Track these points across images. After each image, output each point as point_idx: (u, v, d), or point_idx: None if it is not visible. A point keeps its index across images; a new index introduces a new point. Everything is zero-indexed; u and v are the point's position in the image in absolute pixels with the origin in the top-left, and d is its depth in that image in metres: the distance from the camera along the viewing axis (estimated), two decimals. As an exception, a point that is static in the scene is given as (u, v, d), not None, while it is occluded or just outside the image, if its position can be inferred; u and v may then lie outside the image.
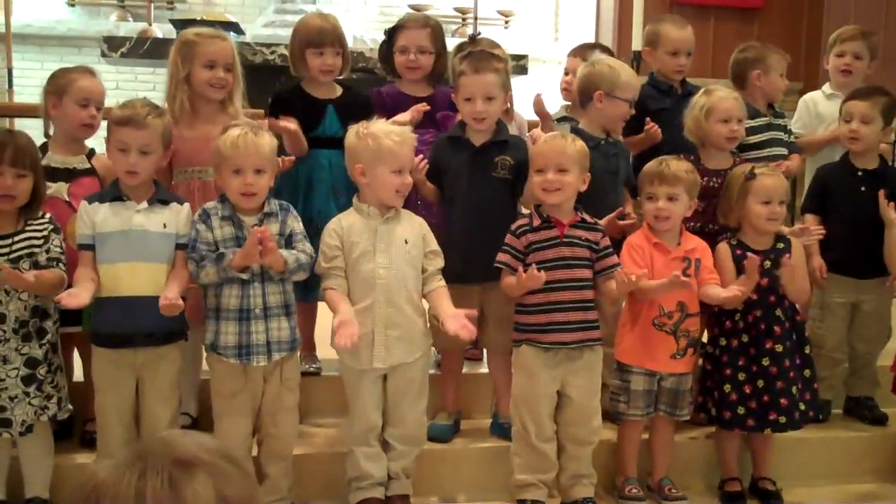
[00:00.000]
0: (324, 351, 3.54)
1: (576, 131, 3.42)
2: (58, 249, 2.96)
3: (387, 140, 3.02)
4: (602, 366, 3.25)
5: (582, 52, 4.11)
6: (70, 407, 3.05)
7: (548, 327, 3.13)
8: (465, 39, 4.14)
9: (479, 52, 3.46)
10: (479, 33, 4.27)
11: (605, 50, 4.22)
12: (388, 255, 3.06)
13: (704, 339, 3.48)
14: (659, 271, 3.22)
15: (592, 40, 7.13)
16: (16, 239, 2.92)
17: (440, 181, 3.41)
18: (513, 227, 3.19)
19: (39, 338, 2.94)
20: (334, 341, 2.87)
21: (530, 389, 3.18)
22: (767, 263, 3.33)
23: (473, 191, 3.31)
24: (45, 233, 2.96)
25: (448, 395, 3.56)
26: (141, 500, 1.00)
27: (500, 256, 3.16)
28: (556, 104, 4.19)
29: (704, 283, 3.29)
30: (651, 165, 3.34)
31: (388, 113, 3.57)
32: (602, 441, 3.33)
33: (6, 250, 2.89)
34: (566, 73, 4.05)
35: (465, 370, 3.71)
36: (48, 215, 3.01)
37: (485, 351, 3.74)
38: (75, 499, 1.04)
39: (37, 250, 2.93)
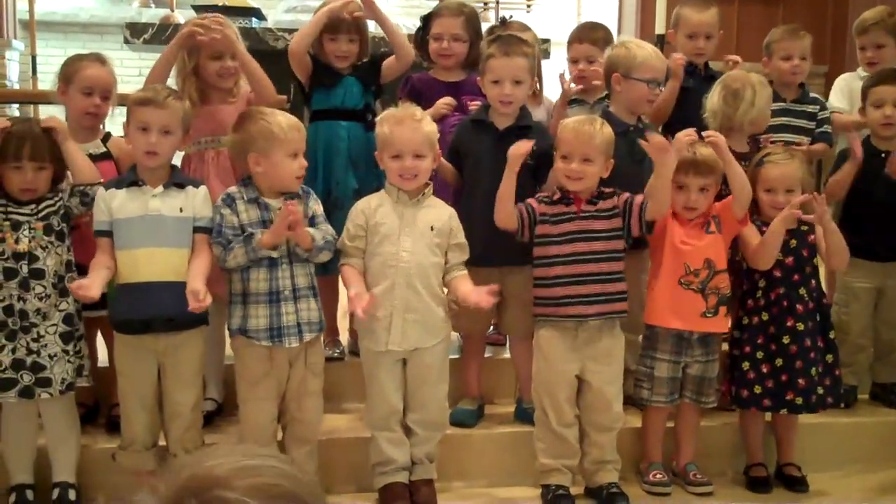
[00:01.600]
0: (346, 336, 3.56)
1: (606, 115, 3.40)
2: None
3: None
4: (624, 351, 3.24)
5: (589, 37, 3.94)
6: (91, 380, 3.07)
7: (567, 300, 3.12)
8: (493, 23, 4.12)
9: (509, 36, 3.45)
10: (511, 16, 4.22)
11: (602, 28, 4.10)
12: (412, 239, 3.06)
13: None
14: (681, 232, 3.22)
15: (615, 23, 7.09)
16: (40, 206, 2.98)
17: (461, 163, 3.41)
18: (538, 194, 3.22)
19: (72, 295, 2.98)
20: (354, 316, 2.93)
21: (548, 374, 3.18)
22: (793, 243, 3.31)
23: (495, 174, 3.29)
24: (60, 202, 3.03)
25: (471, 380, 3.56)
26: None
27: (518, 205, 3.17)
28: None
29: (744, 231, 3.29)
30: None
31: (418, 99, 3.57)
32: (627, 427, 3.32)
33: (30, 212, 2.96)
34: (575, 62, 3.96)
35: (487, 355, 3.72)
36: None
37: (507, 336, 3.74)
38: None
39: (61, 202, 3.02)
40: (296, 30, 6.29)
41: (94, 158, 3.26)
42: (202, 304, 2.81)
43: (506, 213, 3.14)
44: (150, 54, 7.32)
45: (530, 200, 3.18)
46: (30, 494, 3.01)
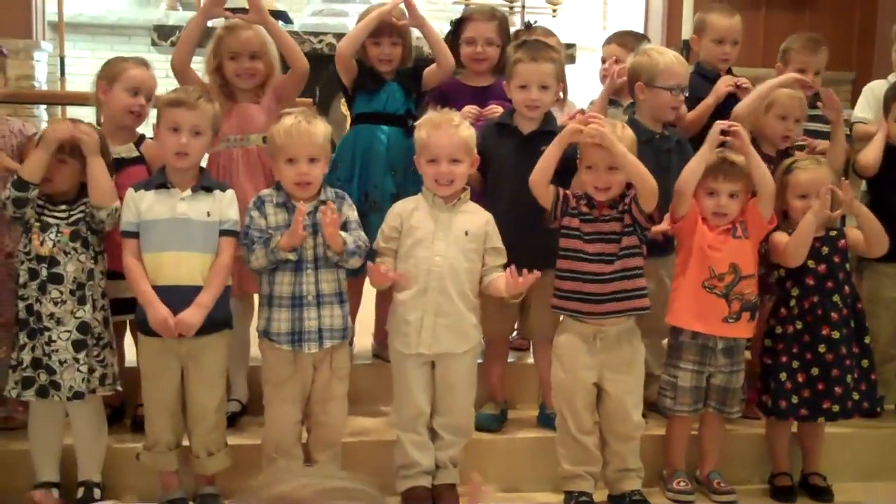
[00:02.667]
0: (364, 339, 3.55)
1: (632, 122, 3.39)
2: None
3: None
4: (644, 360, 3.23)
5: (617, 39, 4.07)
6: (118, 388, 3.10)
7: (580, 296, 3.11)
8: (519, 28, 4.12)
9: (536, 42, 3.45)
10: (536, 21, 4.23)
11: (641, 37, 4.17)
12: (445, 243, 3.07)
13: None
14: (707, 236, 3.20)
15: (641, 29, 7.08)
16: (72, 208, 3.01)
17: (485, 167, 3.41)
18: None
19: (93, 304, 3.00)
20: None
21: (566, 382, 3.18)
22: (825, 250, 3.29)
23: (519, 178, 3.29)
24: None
25: (494, 385, 3.56)
26: None
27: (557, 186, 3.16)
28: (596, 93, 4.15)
29: (773, 234, 3.26)
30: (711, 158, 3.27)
31: (445, 103, 3.57)
32: (650, 434, 3.31)
33: (61, 215, 2.98)
34: (603, 62, 4.01)
35: (511, 359, 3.71)
36: None
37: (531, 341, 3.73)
38: None
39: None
40: (322, 33, 6.36)
41: (127, 162, 3.28)
42: (187, 324, 2.87)
43: (540, 181, 3.11)
44: (177, 57, 7.40)
45: (568, 192, 3.16)
46: (55, 493, 3.03)
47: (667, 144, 3.48)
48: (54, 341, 2.94)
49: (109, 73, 3.34)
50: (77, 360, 2.95)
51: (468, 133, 3.10)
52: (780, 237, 3.28)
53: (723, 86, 3.73)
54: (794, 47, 4.02)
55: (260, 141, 3.34)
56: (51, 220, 2.97)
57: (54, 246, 2.95)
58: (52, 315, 2.94)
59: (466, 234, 3.09)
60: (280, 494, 0.95)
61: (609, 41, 4.08)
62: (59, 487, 3.04)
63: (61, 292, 2.95)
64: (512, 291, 3.03)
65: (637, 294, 3.13)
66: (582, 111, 3.68)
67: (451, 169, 3.05)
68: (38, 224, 2.96)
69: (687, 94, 3.54)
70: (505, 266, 3.07)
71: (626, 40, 3.98)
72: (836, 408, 3.28)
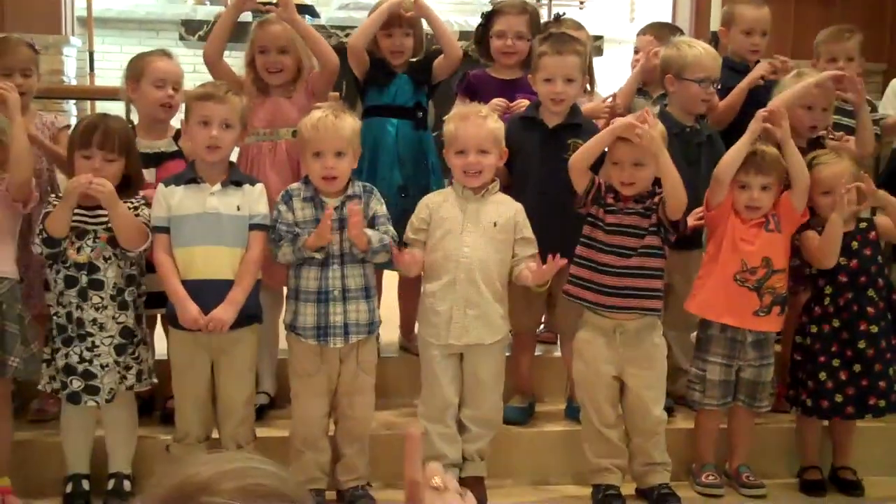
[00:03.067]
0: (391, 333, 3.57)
1: (663, 115, 3.37)
2: (145, 216, 3.01)
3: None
4: (665, 356, 3.21)
5: (651, 30, 4.06)
6: (154, 380, 3.12)
7: (591, 286, 3.11)
8: (547, 20, 4.11)
9: (562, 34, 3.45)
10: (564, 13, 4.22)
11: (675, 29, 4.15)
12: (474, 235, 3.07)
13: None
14: (740, 229, 3.19)
15: (669, 20, 7.03)
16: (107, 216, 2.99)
17: (511, 161, 3.40)
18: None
19: (135, 307, 3.03)
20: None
21: (587, 375, 3.18)
22: (854, 245, 3.26)
23: (544, 172, 3.29)
24: (137, 204, 3.03)
25: (522, 378, 3.56)
26: None
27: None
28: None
29: (802, 234, 3.25)
30: None
31: (474, 97, 3.58)
32: (679, 428, 3.30)
33: (97, 221, 2.97)
34: (636, 53, 3.99)
35: (538, 353, 3.71)
36: (142, 193, 3.08)
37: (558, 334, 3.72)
38: None
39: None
40: (349, 27, 6.36)
41: (166, 156, 3.31)
42: (220, 321, 2.89)
43: (581, 164, 3.10)
44: (205, 51, 7.43)
45: (602, 181, 3.15)
46: (86, 484, 3.06)
47: (697, 138, 3.46)
48: (97, 346, 2.96)
49: (135, 71, 3.36)
50: (118, 364, 2.98)
51: (496, 125, 3.10)
52: (812, 236, 3.26)
53: (759, 71, 3.70)
54: (821, 40, 3.99)
55: (289, 135, 3.35)
56: (87, 227, 2.97)
57: (92, 251, 2.96)
58: (94, 321, 2.96)
59: (495, 224, 3.09)
60: (181, 481, 0.95)
61: (643, 32, 4.07)
62: (90, 479, 3.07)
63: (102, 298, 2.97)
64: (538, 280, 3.05)
65: (649, 294, 3.11)
66: (614, 96, 3.68)
67: (479, 160, 3.05)
68: (72, 232, 2.96)
69: (719, 87, 3.51)
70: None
71: (661, 32, 3.97)
72: (882, 403, 3.25)
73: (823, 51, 3.96)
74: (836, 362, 3.27)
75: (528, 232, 3.13)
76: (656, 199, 3.09)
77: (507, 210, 3.13)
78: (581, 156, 3.11)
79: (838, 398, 3.27)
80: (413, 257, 3.03)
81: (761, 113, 3.16)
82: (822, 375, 3.28)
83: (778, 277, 3.20)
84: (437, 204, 3.13)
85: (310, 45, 3.44)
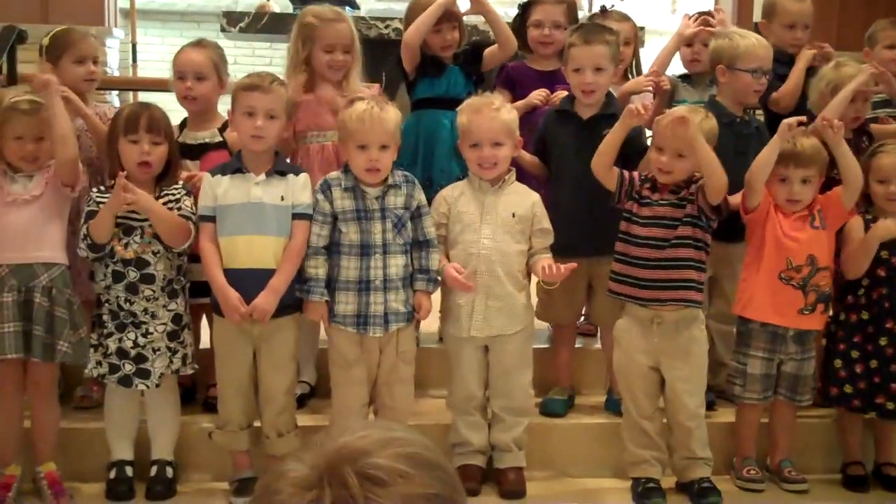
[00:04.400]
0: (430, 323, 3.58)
1: (713, 105, 3.35)
2: (188, 209, 3.04)
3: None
4: (706, 350, 3.19)
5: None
6: (196, 365, 3.15)
7: (631, 280, 3.09)
8: (594, 12, 4.10)
9: (591, 24, 3.45)
10: (613, 5, 4.19)
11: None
12: (492, 226, 3.08)
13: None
14: (785, 225, 3.16)
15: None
16: None
17: (548, 154, 3.39)
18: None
19: (184, 293, 3.08)
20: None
21: (625, 366, 3.18)
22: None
23: (580, 164, 3.27)
24: (178, 196, 3.05)
25: (562, 370, 3.55)
26: None
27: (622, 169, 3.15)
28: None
29: (850, 222, 3.23)
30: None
31: (513, 88, 3.56)
32: (720, 422, 3.28)
33: (143, 217, 2.99)
34: (689, 45, 3.93)
35: (579, 345, 3.70)
36: (181, 182, 3.11)
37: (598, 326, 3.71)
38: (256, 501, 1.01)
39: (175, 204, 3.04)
40: (389, 18, 6.38)
41: (210, 147, 3.32)
42: (262, 310, 2.92)
43: (601, 164, 3.10)
44: (245, 43, 7.47)
45: (634, 174, 3.14)
46: (129, 470, 3.09)
47: (747, 129, 3.43)
48: (151, 333, 3.01)
49: (173, 65, 3.39)
50: (170, 349, 3.03)
51: (509, 116, 3.10)
52: (855, 229, 3.23)
53: (807, 56, 3.67)
54: (880, 27, 3.93)
55: (336, 137, 3.33)
56: (133, 223, 3.00)
57: (139, 246, 3.00)
58: (146, 310, 3.01)
59: (513, 216, 3.09)
60: (340, 446, 0.99)
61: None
62: (133, 465, 3.11)
63: (153, 291, 3.01)
64: (548, 280, 3.04)
65: (685, 285, 3.07)
66: (660, 74, 3.62)
67: (493, 153, 3.05)
68: (118, 229, 2.99)
69: (770, 77, 3.48)
70: (556, 245, 3.09)
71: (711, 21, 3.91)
72: (890, 405, 3.22)
73: (882, 37, 3.91)
74: (854, 353, 3.25)
75: (546, 223, 3.13)
76: (692, 188, 3.07)
77: (524, 201, 3.13)
78: (599, 158, 3.10)
79: (847, 388, 3.25)
80: (465, 285, 3.02)
81: (788, 122, 3.11)
82: (838, 363, 3.27)
83: (822, 275, 3.18)
84: (454, 198, 3.13)
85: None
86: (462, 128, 3.10)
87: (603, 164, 3.10)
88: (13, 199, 2.98)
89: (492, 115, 3.06)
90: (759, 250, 3.20)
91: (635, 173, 3.15)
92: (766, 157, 3.13)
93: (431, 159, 3.50)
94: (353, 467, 0.96)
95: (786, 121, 3.13)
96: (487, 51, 3.61)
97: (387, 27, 6.22)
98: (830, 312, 3.33)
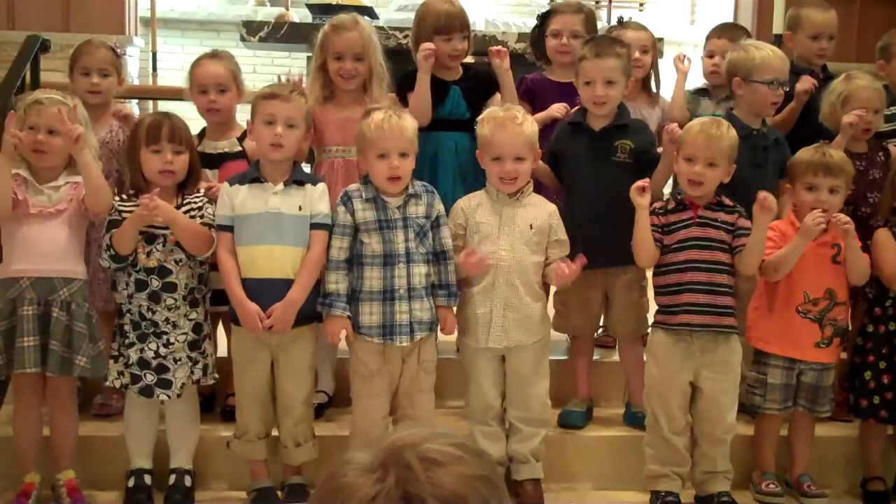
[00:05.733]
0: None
1: (730, 117, 3.34)
2: (211, 217, 3.05)
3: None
4: (741, 361, 3.18)
5: (722, 32, 3.99)
6: (216, 375, 3.16)
7: (676, 308, 3.09)
8: (612, 24, 4.09)
9: (602, 37, 3.46)
10: (631, 18, 4.19)
11: (743, 30, 4.09)
12: (510, 238, 3.08)
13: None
14: (806, 258, 3.13)
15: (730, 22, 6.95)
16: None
17: (560, 167, 3.39)
18: (651, 207, 3.14)
19: (204, 303, 3.09)
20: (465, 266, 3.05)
21: (662, 380, 3.15)
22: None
23: (594, 176, 3.28)
24: (200, 204, 3.07)
25: (580, 382, 3.54)
26: None
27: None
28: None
29: (879, 237, 3.24)
30: (810, 154, 3.19)
31: (532, 100, 3.56)
32: (739, 434, 3.26)
33: (165, 225, 3.00)
34: (710, 56, 3.92)
35: (597, 357, 3.68)
36: (203, 190, 3.12)
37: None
38: (324, 492, 1.08)
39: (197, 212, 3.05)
40: (407, 28, 6.38)
41: (229, 157, 3.33)
42: (259, 326, 2.92)
43: (647, 254, 3.12)
44: (264, 52, 7.50)
45: (651, 220, 3.12)
46: (147, 479, 3.10)
47: (764, 142, 3.41)
48: (172, 343, 3.02)
49: (189, 76, 3.41)
50: (191, 359, 3.04)
51: (532, 129, 3.10)
52: (884, 241, 3.22)
53: (801, 87, 3.63)
54: (893, 40, 3.90)
55: None
56: (155, 231, 3.01)
57: (161, 254, 3.00)
58: (167, 320, 3.01)
59: (531, 227, 3.10)
60: (396, 438, 1.10)
61: (717, 35, 3.96)
62: (152, 474, 3.11)
63: (175, 299, 3.02)
64: (558, 284, 3.09)
65: (727, 311, 3.09)
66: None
67: (515, 167, 3.06)
68: (141, 237, 3.00)
69: (787, 89, 3.47)
70: (571, 257, 3.09)
71: (734, 33, 3.91)
72: None
73: None
74: (882, 364, 3.24)
75: (562, 234, 3.14)
76: (737, 223, 3.09)
77: (542, 212, 3.14)
78: (641, 254, 3.12)
79: (876, 400, 3.24)
80: (482, 261, 3.02)
81: (815, 216, 3.07)
82: (867, 374, 3.26)
83: (840, 310, 3.18)
84: (471, 208, 3.13)
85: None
86: (483, 140, 3.09)
87: (646, 256, 3.12)
88: (38, 211, 2.98)
89: (516, 129, 3.05)
90: (775, 281, 3.19)
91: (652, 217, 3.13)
92: (790, 251, 3.10)
93: (435, 182, 3.44)
94: (412, 451, 1.06)
95: (811, 214, 3.08)
96: (491, 101, 3.52)
97: (406, 37, 6.23)
98: (868, 314, 3.34)
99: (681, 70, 3.70)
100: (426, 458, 1.06)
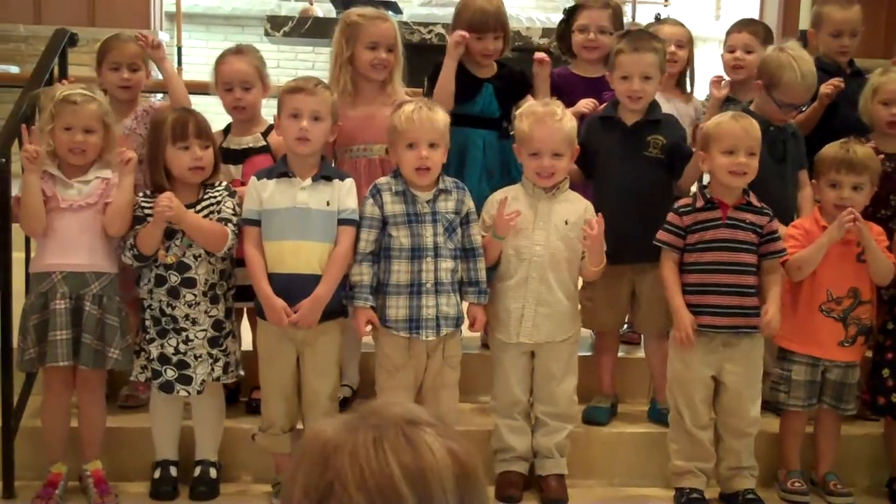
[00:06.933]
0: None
1: (749, 112, 3.31)
2: (229, 210, 3.05)
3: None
4: (763, 353, 3.17)
5: (745, 27, 3.94)
6: (241, 373, 3.17)
7: (702, 309, 3.07)
8: (650, 22, 4.08)
9: (639, 32, 3.44)
10: (668, 16, 4.18)
11: (763, 26, 4.04)
12: (545, 232, 3.07)
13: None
14: (829, 256, 3.12)
15: (755, 17, 6.92)
16: (196, 209, 3.03)
17: (592, 161, 3.38)
18: (676, 205, 3.14)
19: (225, 300, 3.09)
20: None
21: (684, 374, 3.14)
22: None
23: (625, 171, 3.27)
24: (220, 198, 3.07)
25: (604, 378, 3.53)
26: (380, 452, 1.03)
27: (661, 234, 3.12)
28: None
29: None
30: (835, 150, 3.17)
31: (558, 95, 3.54)
32: (764, 432, 3.25)
33: None
34: (731, 51, 3.89)
35: (622, 354, 3.67)
36: (224, 183, 3.12)
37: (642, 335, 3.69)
38: (307, 456, 1.06)
39: (213, 216, 3.04)
40: (431, 23, 6.40)
41: (254, 151, 3.33)
42: (286, 322, 2.93)
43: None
44: (288, 47, 7.52)
45: (670, 217, 3.12)
46: (173, 471, 3.12)
47: (782, 136, 3.40)
48: (192, 340, 3.03)
49: (214, 73, 3.40)
50: (212, 356, 3.05)
51: (571, 125, 3.09)
52: None
53: (824, 90, 3.59)
54: None
55: (383, 151, 3.30)
56: (173, 227, 3.01)
57: (178, 249, 3.01)
58: (186, 316, 3.02)
59: (567, 223, 3.09)
60: (402, 411, 1.10)
61: (738, 30, 3.91)
62: (178, 465, 3.13)
63: (195, 295, 3.02)
64: (589, 249, 3.03)
65: (753, 313, 3.08)
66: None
67: (553, 163, 3.05)
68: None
69: (803, 110, 3.45)
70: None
71: (757, 29, 3.88)
72: None
73: None
74: None
75: None
76: (767, 226, 3.07)
77: (577, 208, 3.13)
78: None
79: (894, 398, 3.22)
80: (511, 218, 3.00)
81: (845, 216, 3.06)
82: (886, 372, 3.25)
83: (864, 308, 3.16)
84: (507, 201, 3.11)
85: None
86: (522, 135, 3.08)
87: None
88: (69, 205, 2.99)
89: (555, 126, 3.04)
90: (799, 281, 3.17)
91: (673, 217, 3.11)
92: (816, 249, 3.10)
93: (462, 178, 3.44)
94: (406, 420, 1.08)
95: (843, 215, 3.06)
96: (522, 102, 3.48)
97: (429, 32, 6.24)
98: (889, 312, 3.31)
99: (715, 96, 3.63)
100: (411, 420, 1.07)
